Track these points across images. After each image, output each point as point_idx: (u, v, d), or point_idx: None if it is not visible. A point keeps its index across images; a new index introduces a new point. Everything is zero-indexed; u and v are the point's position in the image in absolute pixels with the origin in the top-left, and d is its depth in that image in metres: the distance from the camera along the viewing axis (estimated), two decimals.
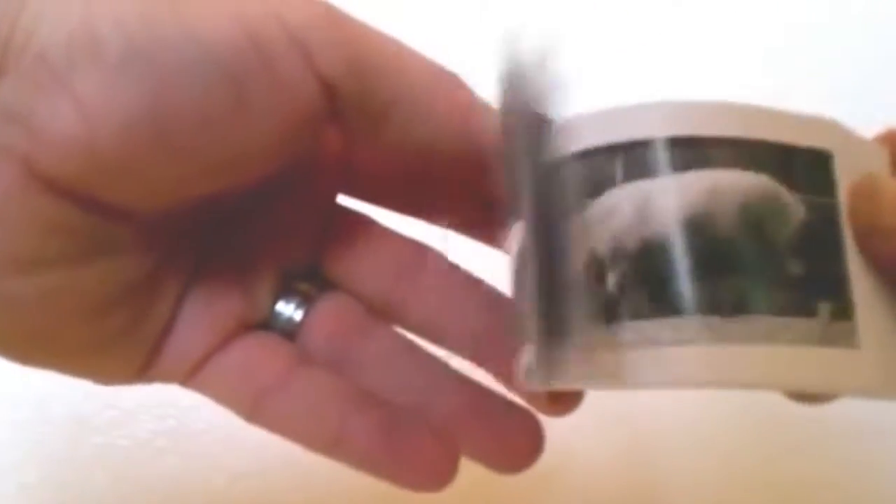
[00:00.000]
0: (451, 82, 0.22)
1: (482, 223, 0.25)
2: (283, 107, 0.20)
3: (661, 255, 0.20)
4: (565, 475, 0.39)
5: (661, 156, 0.20)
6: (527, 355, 0.21)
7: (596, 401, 0.24)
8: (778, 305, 0.20)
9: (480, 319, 0.25)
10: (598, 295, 0.20)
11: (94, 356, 0.23)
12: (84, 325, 0.22)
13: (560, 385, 0.21)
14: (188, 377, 0.24)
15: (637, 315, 0.20)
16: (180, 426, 0.40)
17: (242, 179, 0.22)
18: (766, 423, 0.40)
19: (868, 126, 0.23)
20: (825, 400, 0.22)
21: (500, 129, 0.21)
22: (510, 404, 0.25)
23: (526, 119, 0.21)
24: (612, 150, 0.21)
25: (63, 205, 0.20)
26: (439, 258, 0.26)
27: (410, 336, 0.26)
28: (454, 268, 0.26)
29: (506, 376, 0.24)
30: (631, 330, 0.20)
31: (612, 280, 0.20)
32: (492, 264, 0.24)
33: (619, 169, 0.21)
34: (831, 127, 0.21)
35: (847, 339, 0.20)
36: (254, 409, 0.24)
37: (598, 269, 0.20)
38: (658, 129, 0.20)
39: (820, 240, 0.20)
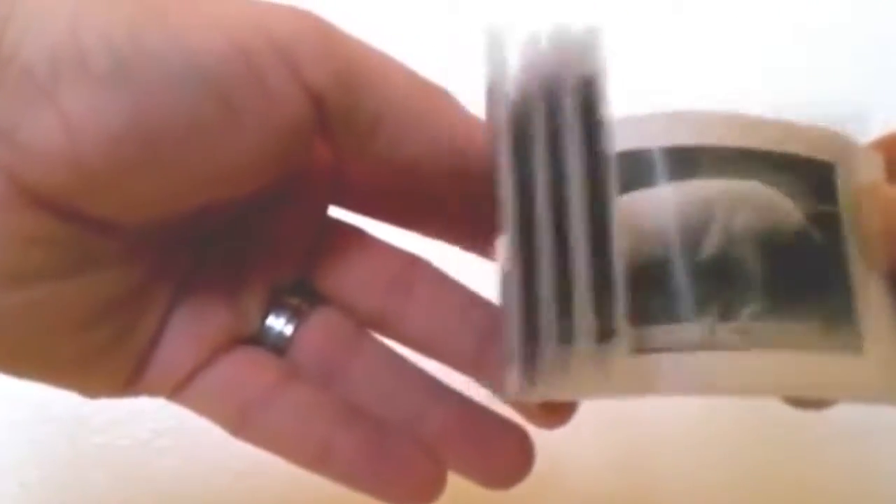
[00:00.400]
0: (439, 96, 0.22)
1: (474, 235, 0.25)
2: (271, 119, 0.20)
3: (658, 264, 0.20)
4: (561, 480, 0.39)
5: (660, 165, 0.20)
6: (513, 366, 0.21)
7: (592, 405, 0.23)
8: (779, 312, 0.20)
9: (473, 332, 0.25)
10: (591, 303, 0.20)
11: (79, 369, 0.23)
12: (69, 339, 0.22)
13: (546, 396, 0.21)
14: (175, 391, 0.24)
15: (633, 323, 0.20)
16: (181, 426, 0.39)
17: (231, 192, 0.22)
18: (763, 426, 0.40)
19: (868, 126, 0.23)
20: (825, 405, 0.22)
21: (488, 140, 0.21)
22: (499, 420, 0.25)
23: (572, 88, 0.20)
24: None
25: (48, 218, 0.20)
26: (432, 270, 0.26)
27: (402, 350, 0.26)
28: (446, 279, 0.26)
29: (499, 388, 0.24)
30: (625, 338, 0.20)
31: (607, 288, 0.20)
32: (485, 274, 0.24)
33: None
34: (832, 137, 0.21)
35: (850, 345, 0.20)
36: (240, 424, 0.24)
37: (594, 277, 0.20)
38: (656, 140, 0.20)
39: (821, 247, 0.20)
